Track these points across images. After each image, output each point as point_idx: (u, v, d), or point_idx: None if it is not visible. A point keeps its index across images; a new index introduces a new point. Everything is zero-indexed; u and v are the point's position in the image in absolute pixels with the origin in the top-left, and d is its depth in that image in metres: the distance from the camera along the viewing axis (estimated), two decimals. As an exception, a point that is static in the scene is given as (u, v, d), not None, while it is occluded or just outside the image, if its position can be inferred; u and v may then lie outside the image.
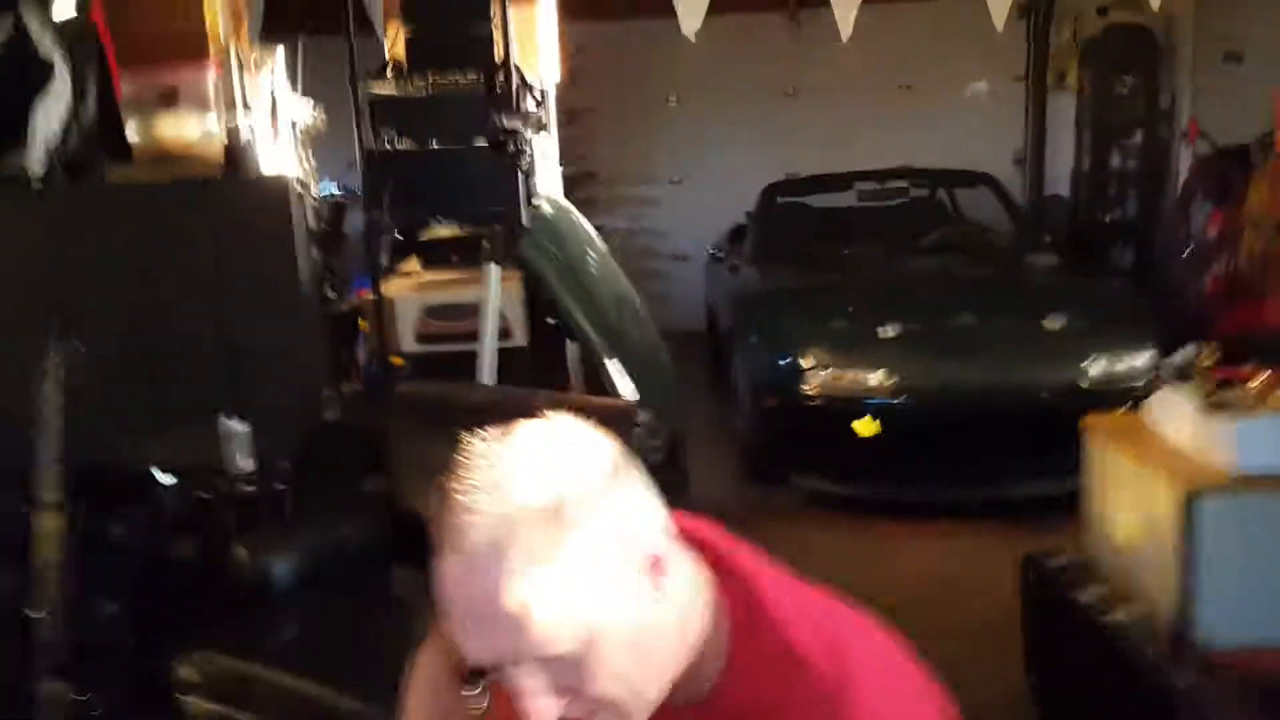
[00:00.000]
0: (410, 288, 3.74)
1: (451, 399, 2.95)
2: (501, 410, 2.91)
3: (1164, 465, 2.57)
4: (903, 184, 6.37)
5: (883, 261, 5.47)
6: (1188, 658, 2.23)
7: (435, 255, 4.03)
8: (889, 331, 4.55)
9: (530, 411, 3.33)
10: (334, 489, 3.06)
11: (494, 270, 3.11)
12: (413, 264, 4.09)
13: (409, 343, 3.62)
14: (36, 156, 3.15)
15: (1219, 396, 2.58)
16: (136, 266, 3.23)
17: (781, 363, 4.57)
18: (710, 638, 0.98)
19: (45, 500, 2.44)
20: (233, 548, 2.63)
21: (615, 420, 2.70)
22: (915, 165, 6.59)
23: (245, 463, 3.02)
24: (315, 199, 3.86)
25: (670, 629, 0.95)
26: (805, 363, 4.45)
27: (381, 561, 2.78)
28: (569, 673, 0.90)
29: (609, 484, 0.94)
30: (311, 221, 3.55)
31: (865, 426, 4.26)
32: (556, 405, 3.06)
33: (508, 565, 0.87)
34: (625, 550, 0.92)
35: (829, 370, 4.41)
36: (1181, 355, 2.69)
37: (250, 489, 3.00)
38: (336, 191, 4.88)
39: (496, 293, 3.11)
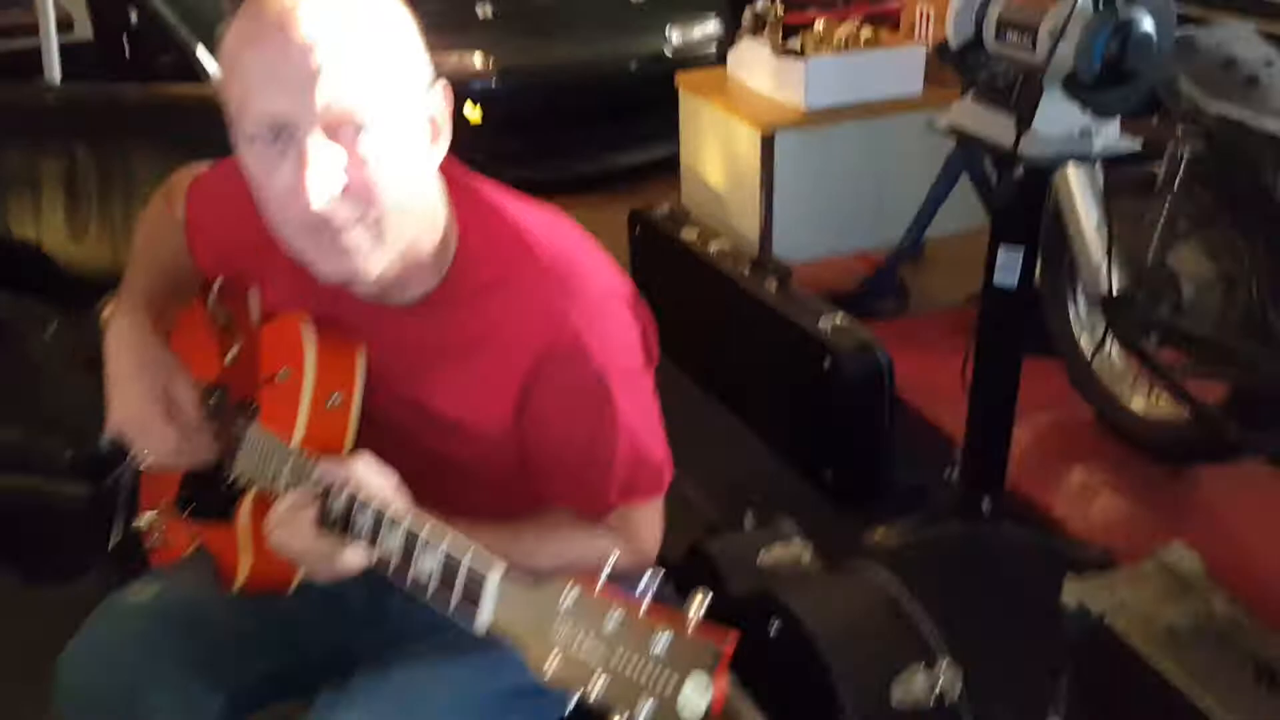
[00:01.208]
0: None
1: (22, 104, 2.61)
2: (87, 111, 2.64)
3: (746, 110, 2.90)
4: None
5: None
6: (771, 271, 2.63)
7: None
8: (485, 12, 4.51)
9: (123, 109, 3.03)
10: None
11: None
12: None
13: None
14: None
15: (789, 43, 2.90)
16: None
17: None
18: (444, 230, 1.07)
19: None
20: None
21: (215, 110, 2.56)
22: None
23: None
24: None
25: (427, 190, 1.04)
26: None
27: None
28: (356, 164, 0.95)
29: (411, 20, 1.00)
30: None
31: (469, 112, 4.28)
32: (155, 100, 2.81)
33: (331, 14, 0.93)
34: (420, 92, 1.00)
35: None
36: (758, 6, 2.96)
37: None
38: None
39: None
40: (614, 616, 0.77)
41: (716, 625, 0.76)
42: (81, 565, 2.33)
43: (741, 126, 2.87)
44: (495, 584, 0.85)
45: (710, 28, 4.53)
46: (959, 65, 1.78)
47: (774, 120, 2.82)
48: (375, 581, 1.04)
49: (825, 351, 2.30)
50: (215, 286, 1.32)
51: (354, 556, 0.97)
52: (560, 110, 4.41)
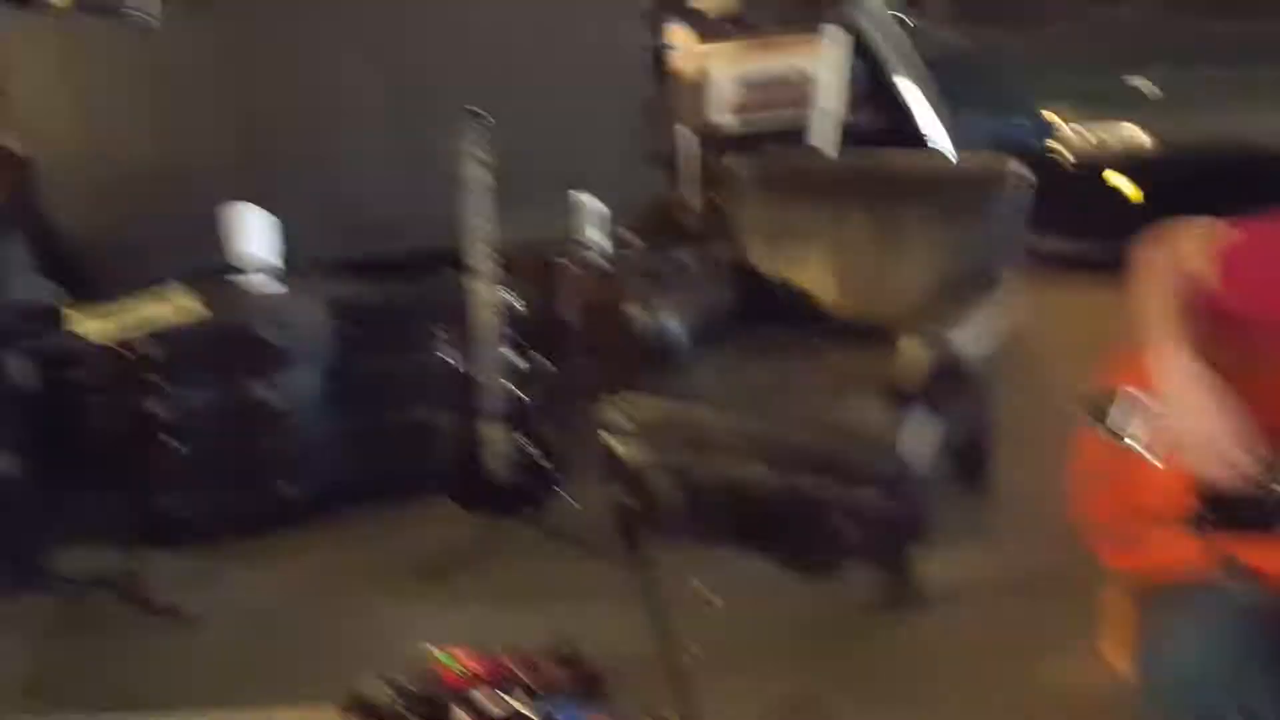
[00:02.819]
0: (724, 59, 3.75)
1: (809, 169, 3.07)
2: (867, 178, 3.02)
3: None
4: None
5: (1085, 8, 5.25)
6: None
7: (705, 25, 4.00)
8: (1138, 82, 4.47)
9: (893, 176, 3.37)
10: (682, 257, 3.25)
11: (835, 33, 3.13)
12: (681, 35, 4.06)
13: (723, 116, 3.67)
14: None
15: None
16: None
17: (1019, 123, 4.54)
18: None
19: (478, 271, 2.65)
20: (627, 308, 2.83)
21: (989, 180, 2.83)
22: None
23: (597, 235, 3.20)
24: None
25: None
26: (1051, 119, 4.41)
27: (749, 320, 3.00)
28: None
29: None
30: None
31: (1124, 185, 4.26)
32: (921, 169, 3.13)
33: None
34: None
35: (1078, 126, 4.38)
36: None
37: (605, 258, 3.19)
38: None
39: (839, 57, 3.14)
40: None
41: None
42: (833, 564, 2.67)
43: None
44: None
45: None
46: None
47: None
48: None
49: None
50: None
51: None
52: (1232, 190, 4.22)
